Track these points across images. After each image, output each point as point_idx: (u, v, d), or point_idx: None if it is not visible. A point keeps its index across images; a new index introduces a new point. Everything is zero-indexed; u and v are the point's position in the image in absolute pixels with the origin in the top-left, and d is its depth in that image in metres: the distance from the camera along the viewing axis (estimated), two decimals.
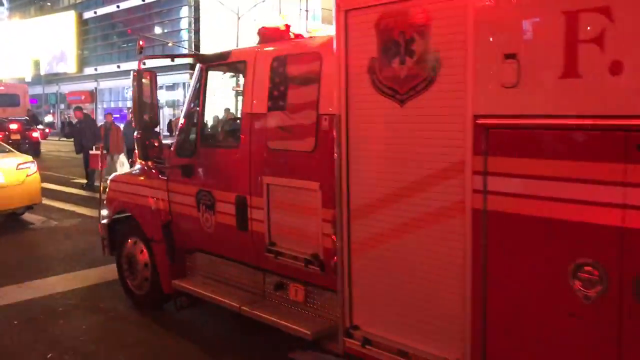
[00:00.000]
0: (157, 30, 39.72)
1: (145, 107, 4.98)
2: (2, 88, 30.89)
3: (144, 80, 4.98)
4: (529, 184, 2.90)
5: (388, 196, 3.57)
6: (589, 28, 2.63)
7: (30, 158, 11.00)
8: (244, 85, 4.88)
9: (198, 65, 5.42)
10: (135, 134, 5.10)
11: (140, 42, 5.44)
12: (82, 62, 43.16)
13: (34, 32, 43.85)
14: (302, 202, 4.34)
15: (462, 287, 3.20)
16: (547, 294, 2.86)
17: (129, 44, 38.62)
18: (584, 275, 2.73)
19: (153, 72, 5.03)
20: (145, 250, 5.99)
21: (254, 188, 4.74)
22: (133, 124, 5.71)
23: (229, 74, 6.35)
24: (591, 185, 2.68)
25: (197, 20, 38.61)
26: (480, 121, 3.04)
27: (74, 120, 17.31)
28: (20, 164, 10.30)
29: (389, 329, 3.65)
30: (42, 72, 41.15)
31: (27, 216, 10.97)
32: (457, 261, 3.22)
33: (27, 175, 10.26)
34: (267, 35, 4.92)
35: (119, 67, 38.25)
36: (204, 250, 5.49)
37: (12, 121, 24.51)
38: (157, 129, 5.16)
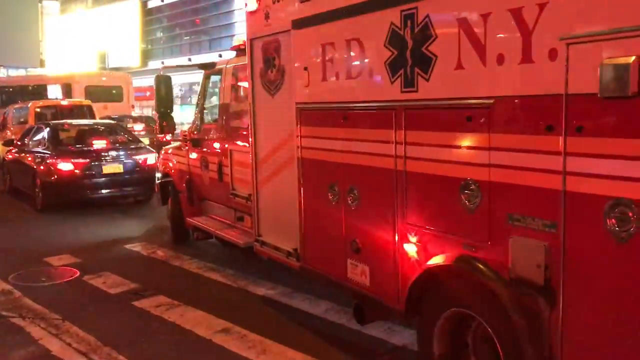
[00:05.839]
0: (236, 18, 33.15)
1: (162, 99, 7.62)
2: (103, 79, 25.55)
3: (161, 81, 7.61)
4: (313, 141, 5.08)
5: (269, 152, 5.87)
6: (328, 53, 4.77)
7: None
8: (220, 85, 7.33)
9: (203, 72, 7.98)
10: (156, 117, 7.76)
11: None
12: (147, 55, 38.21)
13: (97, 24, 39.26)
14: (244, 160, 6.71)
15: (296, 204, 5.41)
16: (323, 203, 5.01)
17: (201, 35, 34.02)
18: (333, 190, 4.86)
19: (168, 76, 7.65)
20: (178, 199, 8.68)
21: (225, 152, 7.20)
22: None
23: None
24: (334, 141, 4.80)
25: None
26: (297, 106, 5.25)
27: None
28: None
29: (271, 235, 5.95)
30: (109, 66, 35.18)
31: None
32: (295, 188, 5.42)
33: None
34: (237, 51, 7.34)
35: (190, 60, 32.39)
36: (206, 198, 8.06)
37: (135, 119, 20.87)
38: (171, 114, 7.77)
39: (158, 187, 9.43)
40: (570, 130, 2.94)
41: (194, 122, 8.19)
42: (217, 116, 7.63)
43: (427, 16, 3.75)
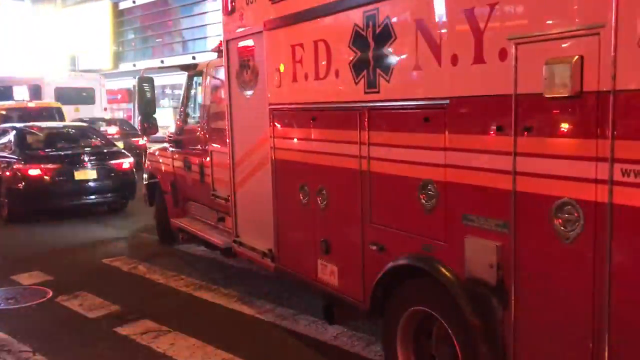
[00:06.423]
0: (209, 20, 30.84)
1: (145, 101, 7.64)
2: (74, 80, 23.29)
3: (145, 83, 7.63)
4: (285, 142, 5.10)
5: (246, 153, 5.89)
6: (297, 55, 4.78)
7: None
8: (202, 86, 7.35)
9: (186, 73, 8.00)
10: (138, 119, 7.79)
11: None
12: (119, 58, 36.97)
13: (67, 25, 37.63)
14: (224, 161, 6.72)
15: (271, 204, 5.42)
16: (295, 204, 5.02)
17: (175, 37, 33.26)
18: (304, 190, 4.87)
19: (151, 77, 7.67)
20: (164, 200, 8.70)
21: (206, 153, 7.21)
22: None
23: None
24: (304, 142, 4.82)
25: None
26: (270, 107, 5.27)
27: None
28: None
29: (248, 236, 5.97)
30: (79, 68, 33.79)
31: None
32: (270, 189, 5.44)
33: None
34: (218, 52, 7.35)
35: (162, 62, 31.17)
36: (190, 199, 8.07)
37: (109, 122, 19.40)
38: (154, 116, 7.79)
39: (144, 188, 9.44)
40: (519, 130, 2.95)
41: (176, 122, 8.21)
42: (198, 117, 7.65)
43: (387, 17, 3.76)
